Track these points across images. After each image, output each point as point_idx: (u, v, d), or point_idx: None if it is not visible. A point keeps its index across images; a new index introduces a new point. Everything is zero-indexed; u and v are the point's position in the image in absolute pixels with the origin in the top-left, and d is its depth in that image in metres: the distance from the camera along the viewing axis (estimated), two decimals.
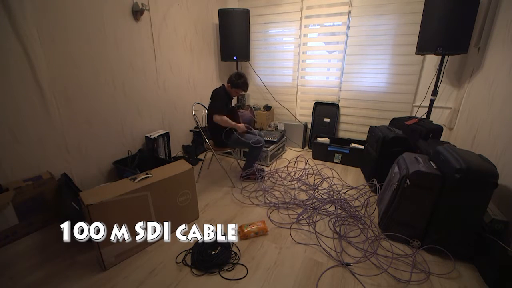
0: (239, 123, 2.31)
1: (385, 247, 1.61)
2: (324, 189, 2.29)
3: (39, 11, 1.69)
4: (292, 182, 2.43)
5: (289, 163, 2.86)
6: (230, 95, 2.33)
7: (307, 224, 1.81)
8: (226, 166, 2.82)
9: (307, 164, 2.78)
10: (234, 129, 2.30)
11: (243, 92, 2.35)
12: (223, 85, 2.34)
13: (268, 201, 2.10)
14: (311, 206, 2.01)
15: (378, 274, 1.39)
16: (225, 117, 2.17)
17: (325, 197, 2.14)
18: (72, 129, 1.98)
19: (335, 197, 2.13)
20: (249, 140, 2.27)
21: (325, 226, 1.80)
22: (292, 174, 2.58)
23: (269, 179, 2.48)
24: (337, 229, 1.75)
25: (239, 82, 2.24)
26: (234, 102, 2.48)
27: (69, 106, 1.94)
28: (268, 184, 2.40)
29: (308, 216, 1.90)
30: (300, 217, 1.88)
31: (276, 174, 2.57)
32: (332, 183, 2.39)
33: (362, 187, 2.34)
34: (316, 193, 2.21)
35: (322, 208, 1.99)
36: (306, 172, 2.61)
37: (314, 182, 2.41)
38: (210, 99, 2.29)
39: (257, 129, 3.02)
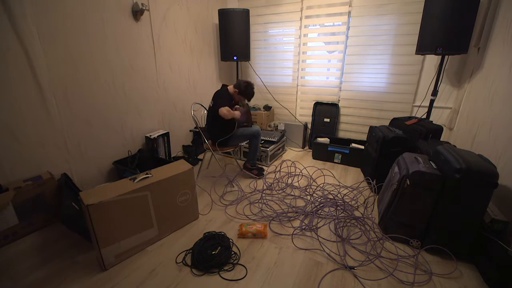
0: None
1: (387, 248, 1.60)
2: (321, 190, 2.27)
3: (39, 11, 1.69)
4: (291, 189, 2.31)
5: (289, 171, 2.86)
6: (232, 97, 2.35)
7: (308, 230, 1.77)
8: (225, 166, 2.82)
9: (304, 169, 2.78)
10: (234, 126, 2.35)
11: (246, 101, 2.41)
12: (224, 85, 2.34)
13: (266, 215, 1.93)
14: (311, 212, 1.94)
15: (384, 278, 1.37)
16: (227, 107, 2.17)
17: (323, 201, 2.08)
18: (72, 129, 1.98)
19: (331, 198, 2.11)
20: (249, 131, 2.38)
21: (326, 229, 1.78)
22: (289, 181, 2.42)
23: (266, 195, 2.22)
24: (339, 231, 1.74)
25: (247, 92, 2.30)
26: None
27: (69, 106, 1.94)
28: (266, 195, 2.21)
29: (309, 221, 1.84)
30: (303, 224, 1.80)
31: (272, 185, 2.37)
32: (329, 185, 2.38)
33: (357, 185, 2.33)
34: (314, 196, 2.17)
35: (321, 211, 1.95)
36: (309, 179, 2.60)
37: (310, 187, 2.33)
38: (212, 99, 2.30)
39: None
